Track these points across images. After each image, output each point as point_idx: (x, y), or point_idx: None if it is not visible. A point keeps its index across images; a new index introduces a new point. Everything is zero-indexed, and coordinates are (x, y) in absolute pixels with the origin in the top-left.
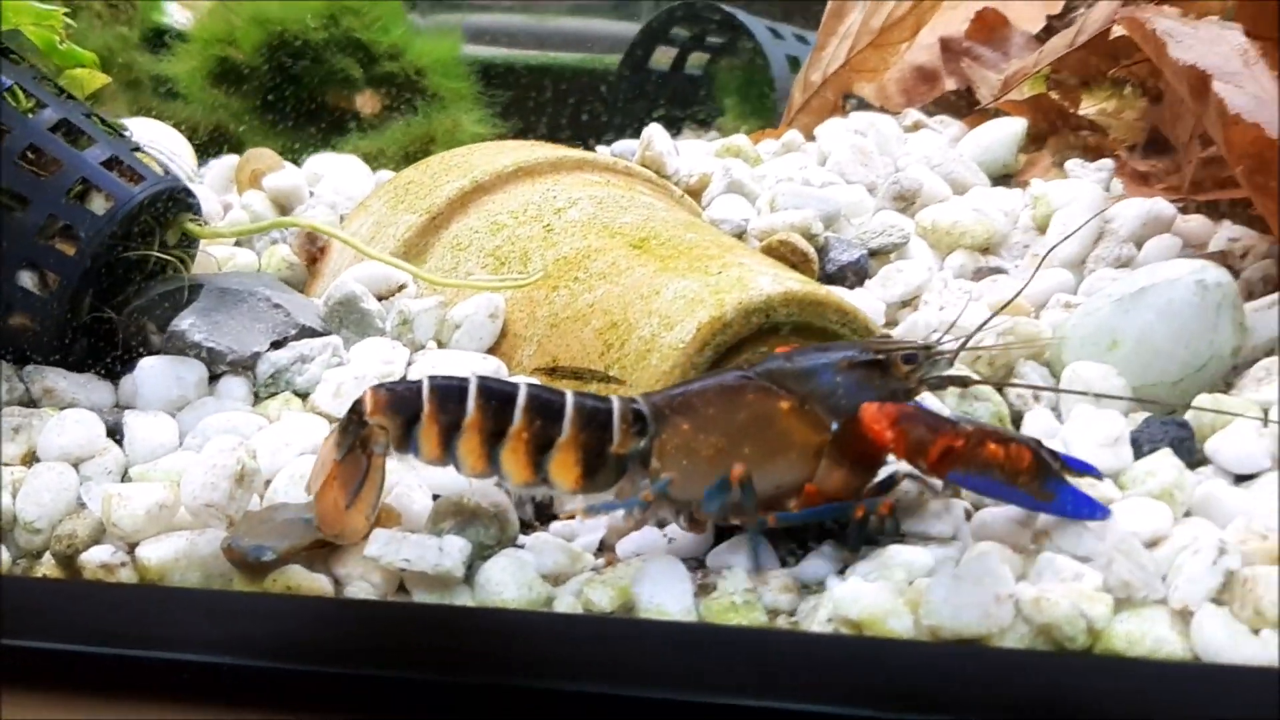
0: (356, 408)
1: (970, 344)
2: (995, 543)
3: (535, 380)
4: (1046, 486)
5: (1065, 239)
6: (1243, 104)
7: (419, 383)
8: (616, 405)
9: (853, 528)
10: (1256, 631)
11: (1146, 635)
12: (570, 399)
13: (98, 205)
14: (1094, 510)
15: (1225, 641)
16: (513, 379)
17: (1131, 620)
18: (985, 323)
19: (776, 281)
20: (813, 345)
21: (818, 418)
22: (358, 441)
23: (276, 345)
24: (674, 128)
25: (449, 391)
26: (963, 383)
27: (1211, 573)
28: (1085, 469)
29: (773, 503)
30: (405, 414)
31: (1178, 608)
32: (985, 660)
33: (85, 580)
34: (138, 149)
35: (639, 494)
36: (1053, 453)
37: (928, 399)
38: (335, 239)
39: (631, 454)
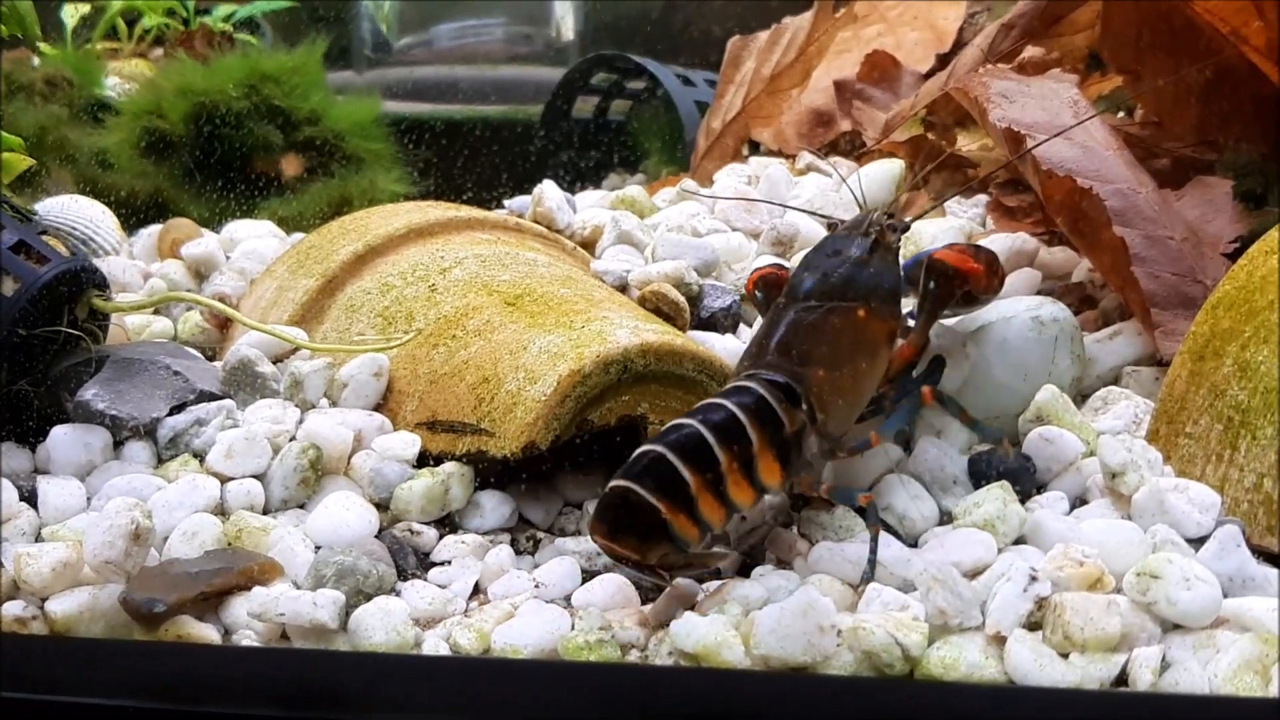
0: (609, 553)
1: None
2: (825, 575)
3: (691, 421)
4: None
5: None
6: (1063, 157)
7: (632, 493)
8: (766, 390)
9: (953, 406)
10: (1065, 655)
11: (960, 660)
12: (736, 409)
13: (7, 288)
14: None
15: (1031, 665)
16: (399, 433)
17: (945, 647)
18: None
19: (634, 334)
20: (815, 249)
21: (883, 307)
22: (644, 573)
23: (175, 410)
24: (600, 174)
25: (667, 481)
26: (905, 228)
27: (1022, 599)
28: None
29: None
30: (643, 532)
31: (992, 633)
32: (805, 687)
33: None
34: (44, 232)
35: (810, 453)
36: None
37: None
38: (203, 305)
39: (802, 427)
